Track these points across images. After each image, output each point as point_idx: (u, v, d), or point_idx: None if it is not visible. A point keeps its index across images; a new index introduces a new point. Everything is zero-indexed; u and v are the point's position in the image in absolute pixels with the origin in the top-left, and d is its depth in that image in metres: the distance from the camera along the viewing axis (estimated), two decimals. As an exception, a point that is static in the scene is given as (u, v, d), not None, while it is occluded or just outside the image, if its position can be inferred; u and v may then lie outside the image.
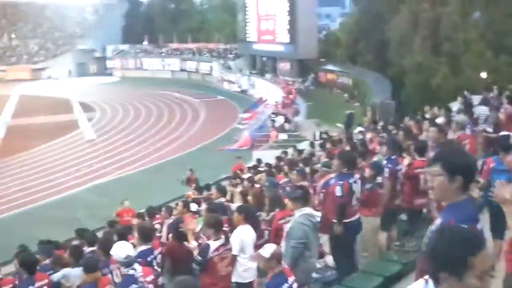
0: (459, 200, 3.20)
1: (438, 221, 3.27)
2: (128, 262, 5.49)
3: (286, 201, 7.18)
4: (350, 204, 6.99)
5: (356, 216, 7.12)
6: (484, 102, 12.65)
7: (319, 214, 6.40)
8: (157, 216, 11.17)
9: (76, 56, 75.23)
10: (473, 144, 8.85)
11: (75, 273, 6.89)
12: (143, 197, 18.69)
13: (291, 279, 5.31)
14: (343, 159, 7.21)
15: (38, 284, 6.53)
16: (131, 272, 5.45)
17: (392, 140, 9.58)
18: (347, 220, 6.96)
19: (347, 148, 11.38)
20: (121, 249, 5.55)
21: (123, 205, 15.17)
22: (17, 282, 7.92)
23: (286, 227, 6.56)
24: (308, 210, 6.27)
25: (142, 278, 5.44)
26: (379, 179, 7.46)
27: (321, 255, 7.18)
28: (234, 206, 8.84)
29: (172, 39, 70.56)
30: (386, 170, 7.80)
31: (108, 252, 6.68)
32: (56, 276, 7.10)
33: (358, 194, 7.08)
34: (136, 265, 5.61)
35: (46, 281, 6.70)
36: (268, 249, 5.31)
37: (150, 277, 5.58)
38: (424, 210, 7.78)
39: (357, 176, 7.17)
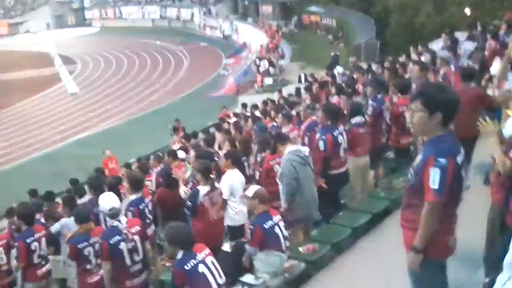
0: (439, 134, 3.25)
1: (419, 157, 3.33)
2: (113, 214, 5.50)
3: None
4: (338, 156, 7.06)
5: (344, 168, 7.19)
6: (470, 38, 12.55)
7: (306, 148, 6.50)
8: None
9: (54, 8, 73.10)
10: (457, 81, 8.83)
11: (72, 222, 6.96)
12: (130, 148, 18.75)
13: (276, 217, 5.44)
14: (327, 111, 7.23)
15: (37, 235, 6.70)
16: (115, 223, 5.48)
17: (375, 79, 9.61)
18: (333, 172, 7.04)
19: (333, 89, 11.35)
20: (106, 201, 5.56)
21: (104, 155, 15.34)
22: (10, 236, 7.98)
23: (277, 168, 6.63)
24: (295, 147, 6.40)
25: (126, 229, 5.46)
26: (358, 119, 7.46)
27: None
28: (221, 152, 8.88)
29: (150, -15, 68.62)
30: (370, 109, 7.84)
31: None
32: (54, 227, 7.16)
33: (344, 145, 7.13)
34: (121, 217, 5.64)
35: (43, 232, 6.84)
36: (251, 189, 5.49)
37: (135, 228, 5.57)
38: (412, 148, 7.85)
39: (341, 127, 7.21)
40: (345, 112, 8.04)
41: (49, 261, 7.03)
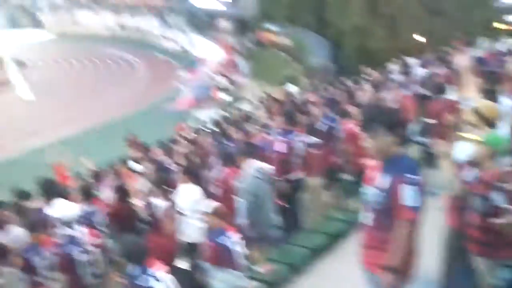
0: (396, 154, 3.38)
1: (379, 179, 3.41)
2: (65, 222, 5.36)
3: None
4: (294, 160, 7.15)
5: (299, 174, 7.29)
6: (423, 64, 12.97)
7: (270, 166, 6.47)
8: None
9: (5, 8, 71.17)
10: (410, 105, 9.12)
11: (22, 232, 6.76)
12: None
13: (230, 232, 5.44)
14: (284, 115, 7.36)
15: None
16: (69, 232, 5.34)
17: (331, 99, 9.81)
18: (290, 178, 7.14)
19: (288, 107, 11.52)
20: (63, 208, 5.44)
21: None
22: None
23: (236, 184, 6.66)
24: (258, 163, 6.36)
25: (86, 241, 5.35)
26: (312, 139, 7.58)
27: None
28: (174, 166, 8.83)
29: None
30: (323, 127, 7.97)
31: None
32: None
33: (300, 152, 7.22)
34: (76, 226, 5.50)
35: None
36: (209, 205, 5.56)
37: (95, 240, 5.48)
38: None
39: (298, 133, 7.32)
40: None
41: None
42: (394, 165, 3.36)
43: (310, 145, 7.43)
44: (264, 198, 6.27)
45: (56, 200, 5.98)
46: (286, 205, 7.01)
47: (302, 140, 7.26)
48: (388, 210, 3.34)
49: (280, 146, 7.08)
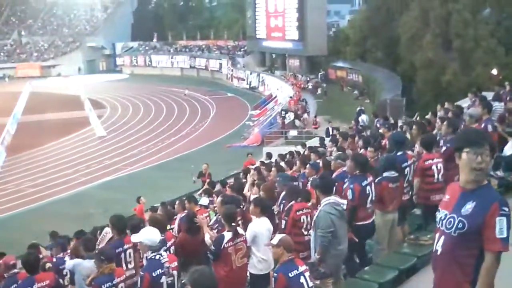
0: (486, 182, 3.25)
1: (470, 205, 3.23)
2: (156, 248, 5.53)
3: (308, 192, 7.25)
4: (364, 207, 7.01)
5: (370, 219, 7.14)
6: (497, 97, 12.47)
7: (344, 201, 6.36)
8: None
9: (86, 54, 75.63)
10: (494, 138, 8.75)
11: (86, 264, 6.97)
12: (154, 193, 18.80)
13: (302, 267, 5.35)
14: (356, 160, 7.24)
15: (38, 284, 6.15)
16: (157, 257, 5.49)
17: (395, 136, 9.55)
18: (360, 223, 6.99)
19: (360, 142, 11.35)
20: (154, 234, 5.59)
21: (139, 203, 15.20)
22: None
23: (303, 219, 6.59)
24: (333, 198, 6.21)
25: (168, 264, 5.48)
26: (390, 173, 7.42)
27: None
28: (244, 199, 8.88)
29: (181, 36, 70.80)
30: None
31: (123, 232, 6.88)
32: (68, 264, 7.15)
33: (372, 196, 7.10)
34: (162, 251, 5.65)
35: (47, 281, 6.27)
36: (276, 237, 5.47)
37: (175, 263, 5.61)
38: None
39: (370, 178, 7.19)
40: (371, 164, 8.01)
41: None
42: (487, 193, 3.22)
43: (387, 179, 7.28)
44: (337, 233, 6.13)
45: (146, 228, 6.16)
46: (357, 240, 6.86)
47: (373, 183, 7.16)
48: (470, 240, 3.21)
49: (349, 193, 6.97)
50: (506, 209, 3.11)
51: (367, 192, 7.01)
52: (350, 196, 6.91)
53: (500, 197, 3.19)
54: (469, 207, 3.23)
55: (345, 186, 7.22)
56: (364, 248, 7.36)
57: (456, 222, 3.26)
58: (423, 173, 7.45)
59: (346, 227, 6.38)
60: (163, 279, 5.38)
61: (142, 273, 5.40)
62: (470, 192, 3.26)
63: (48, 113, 42.84)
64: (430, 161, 7.34)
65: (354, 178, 7.12)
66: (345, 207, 6.25)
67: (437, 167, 7.24)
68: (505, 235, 3.09)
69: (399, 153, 8.02)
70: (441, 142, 8.44)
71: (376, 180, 7.29)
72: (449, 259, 3.32)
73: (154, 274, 5.35)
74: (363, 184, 6.99)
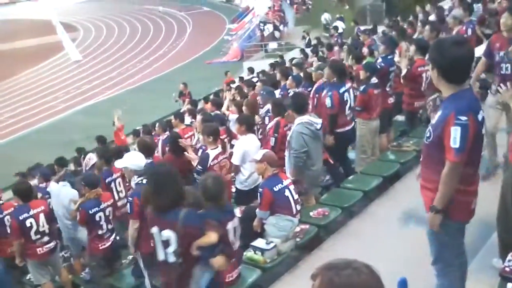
0: (455, 91, 3.17)
1: (438, 114, 3.25)
2: (142, 171, 5.38)
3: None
4: (343, 114, 6.97)
5: (350, 126, 7.11)
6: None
7: (319, 121, 6.24)
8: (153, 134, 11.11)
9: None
10: (472, 42, 8.59)
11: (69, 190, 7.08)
12: (136, 116, 18.65)
13: (286, 181, 5.39)
14: (333, 68, 7.12)
15: (34, 211, 6.21)
16: (144, 181, 5.40)
17: (390, 38, 9.38)
18: (339, 130, 6.97)
19: (342, 52, 11.17)
20: (138, 158, 5.49)
21: (115, 125, 14.57)
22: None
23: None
24: (306, 118, 6.09)
25: None
26: (374, 80, 7.34)
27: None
28: (231, 116, 8.76)
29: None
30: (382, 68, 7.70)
31: (110, 162, 6.92)
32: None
33: (351, 103, 7.03)
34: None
35: (42, 207, 6.32)
36: (260, 153, 5.53)
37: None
38: (420, 111, 7.70)
39: (348, 84, 7.09)
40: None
41: (55, 236, 6.60)
42: (451, 102, 3.17)
43: (372, 85, 7.20)
44: (310, 153, 6.05)
45: (130, 153, 6.06)
46: (333, 161, 6.88)
47: (352, 90, 7.07)
48: (435, 149, 3.20)
49: (327, 101, 6.87)
50: (463, 118, 3.05)
51: (345, 98, 6.96)
52: (329, 104, 6.87)
53: (460, 105, 3.11)
54: (436, 116, 3.24)
55: (323, 93, 7.14)
56: (346, 155, 7.41)
57: (427, 131, 3.31)
58: (413, 79, 7.24)
59: (320, 147, 6.35)
60: None
61: (130, 198, 5.26)
62: (443, 102, 3.28)
63: (19, 40, 41.37)
64: (422, 68, 7.16)
65: (332, 85, 7.03)
66: (319, 126, 6.14)
67: (426, 75, 7.07)
68: (457, 145, 3.05)
69: (389, 56, 7.90)
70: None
71: (362, 89, 7.22)
72: (424, 165, 3.40)
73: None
74: (341, 91, 6.92)
